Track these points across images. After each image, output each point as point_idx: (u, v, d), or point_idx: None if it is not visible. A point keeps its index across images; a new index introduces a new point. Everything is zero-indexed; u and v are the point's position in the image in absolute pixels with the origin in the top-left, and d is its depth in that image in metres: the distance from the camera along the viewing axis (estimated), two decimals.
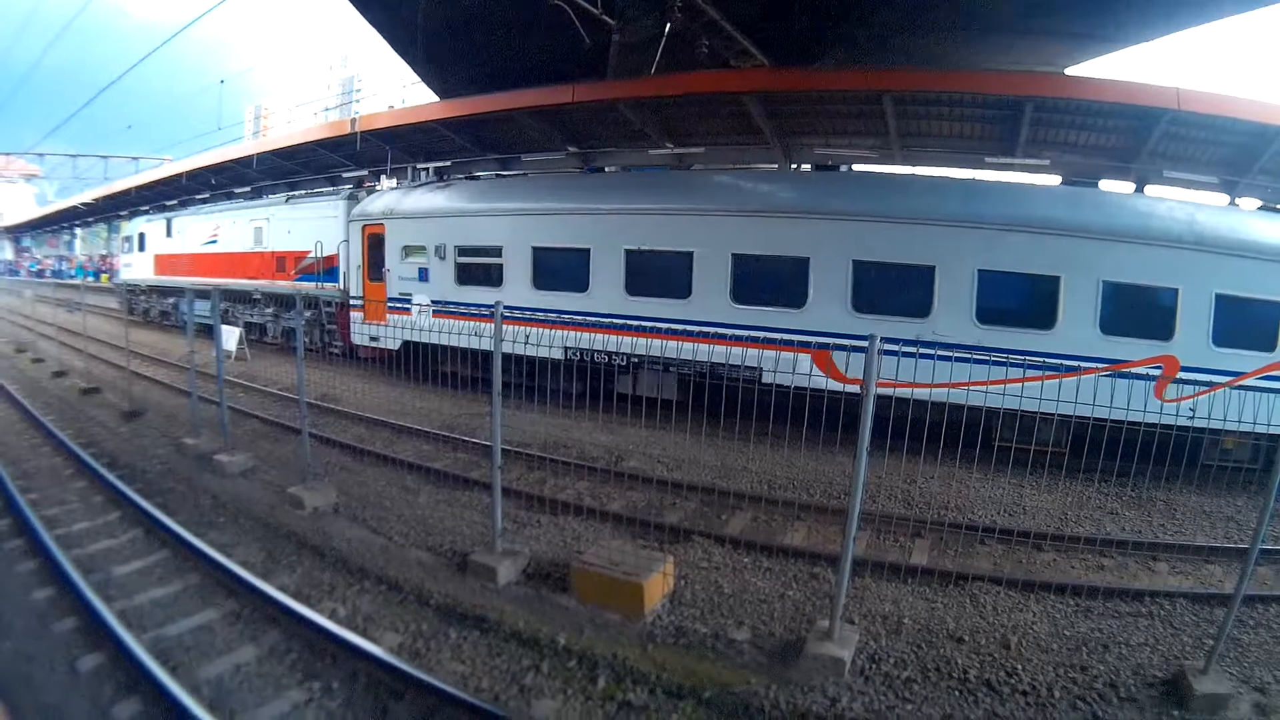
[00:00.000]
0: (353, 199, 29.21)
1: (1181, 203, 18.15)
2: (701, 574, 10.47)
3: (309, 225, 30.47)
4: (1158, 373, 16.29)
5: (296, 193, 37.02)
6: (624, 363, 20.57)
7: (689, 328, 18.77)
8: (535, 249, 22.28)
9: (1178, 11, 19.13)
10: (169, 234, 41.15)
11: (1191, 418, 11.83)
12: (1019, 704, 7.52)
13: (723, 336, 17.15)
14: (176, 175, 43.37)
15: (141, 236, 44.57)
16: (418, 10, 26.70)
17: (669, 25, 21.93)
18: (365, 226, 26.87)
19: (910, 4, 19.64)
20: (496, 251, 23.19)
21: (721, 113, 21.65)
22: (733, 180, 21.84)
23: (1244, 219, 17.43)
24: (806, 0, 20.06)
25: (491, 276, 23.28)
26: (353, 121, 29.11)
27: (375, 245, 26.42)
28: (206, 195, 46.47)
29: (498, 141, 28.11)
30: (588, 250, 21.21)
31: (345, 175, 35.70)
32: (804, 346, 17.85)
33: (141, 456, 16.23)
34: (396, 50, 31.18)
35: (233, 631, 8.84)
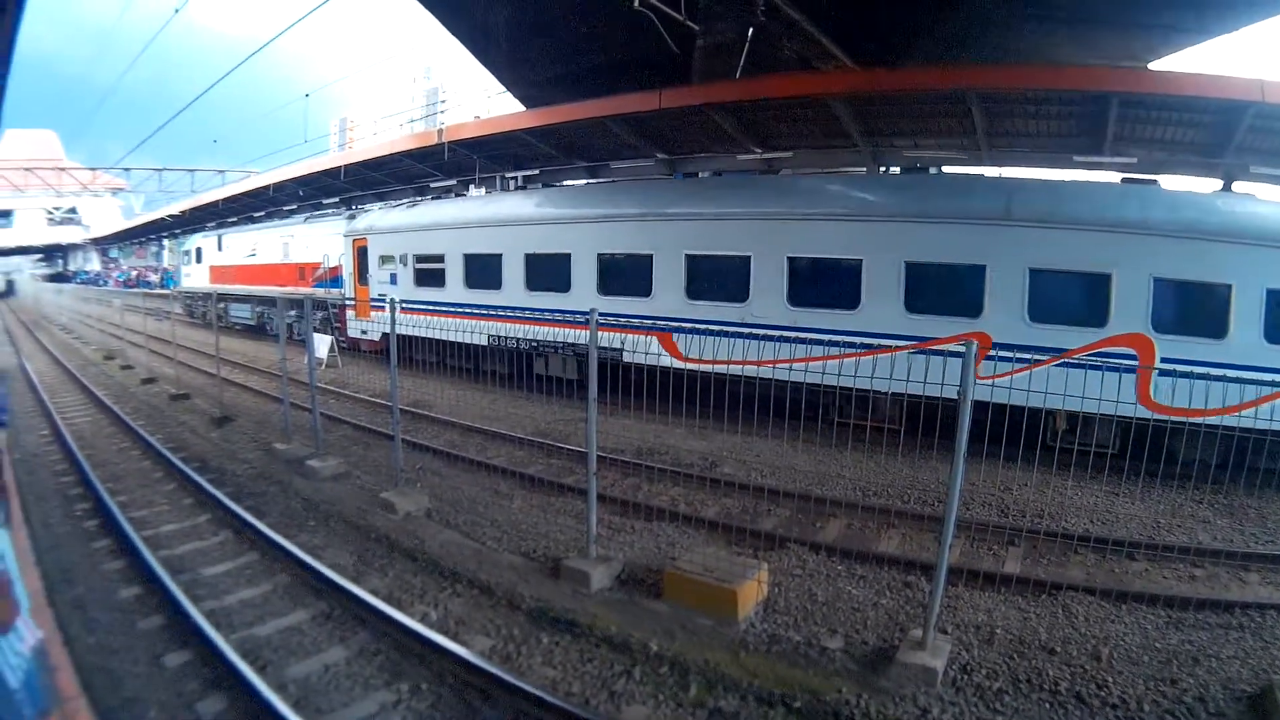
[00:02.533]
0: (351, 218, 35.28)
1: (1004, 179, 20.35)
2: (795, 581, 10.38)
3: (321, 240, 37.51)
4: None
5: (314, 213, 44.75)
6: (535, 348, 24.73)
7: (573, 317, 19.02)
8: (467, 256, 27.14)
9: (1260, 1, 18.80)
10: (220, 248, 48.89)
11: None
12: (1108, 718, 7.38)
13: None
14: (263, 187, 43.92)
15: (199, 250, 52.42)
16: (498, 17, 26.88)
17: (751, 28, 21.87)
18: (354, 240, 32.76)
19: None
20: (440, 259, 28.25)
21: (807, 115, 21.41)
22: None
23: (1060, 189, 18.56)
24: None
25: (436, 280, 28.30)
26: (439, 132, 29.20)
27: (361, 255, 32.18)
28: (294, 206, 47.34)
29: (585, 149, 28.10)
30: (500, 255, 25.81)
31: (433, 185, 36.08)
32: (652, 330, 20.75)
33: (232, 461, 16.53)
34: (479, 58, 31.43)
35: (321, 632, 8.96)
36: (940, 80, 18.02)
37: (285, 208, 47.88)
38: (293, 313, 33.03)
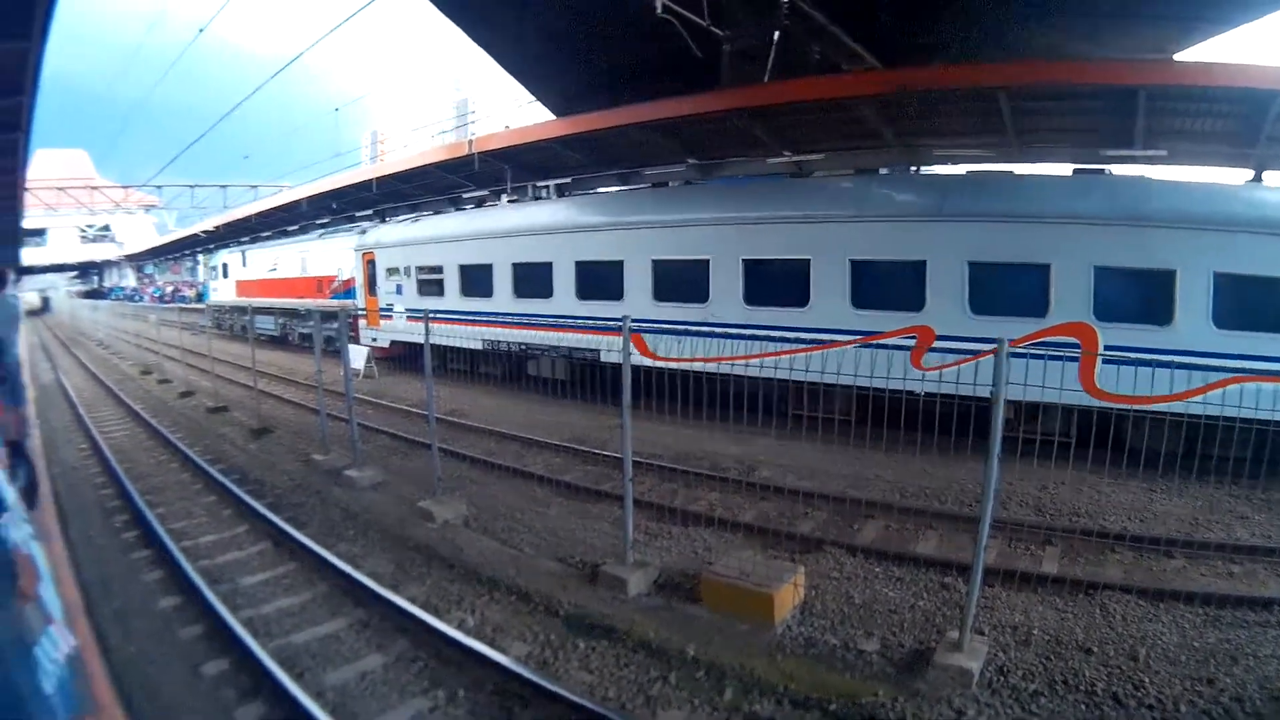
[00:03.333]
0: (362, 233, 37.07)
1: (941, 176, 22.09)
2: (832, 584, 10.39)
3: (335, 254, 40.01)
4: (911, 343, 17.97)
5: (329, 229, 48.09)
6: (525, 351, 26.23)
7: (556, 321, 24.60)
8: (462, 267, 28.64)
9: None
10: (244, 264, 52.15)
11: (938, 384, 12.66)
12: (1145, 718, 7.33)
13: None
14: (296, 201, 44.28)
15: (225, 266, 56.09)
16: (525, 29, 26.94)
17: (776, 32, 21.88)
18: (363, 254, 34.58)
19: None
20: (439, 270, 29.80)
21: (836, 118, 21.38)
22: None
23: (994, 183, 19.29)
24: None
25: (436, 289, 29.85)
26: (469, 143, 29.33)
27: (370, 268, 33.86)
28: (326, 220, 47.86)
29: (616, 156, 28.13)
30: (490, 265, 27.25)
31: (465, 195, 36.30)
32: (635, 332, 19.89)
33: (270, 472, 16.65)
34: (507, 69, 31.44)
35: (360, 640, 9.03)
36: (968, 79, 17.98)
37: (318, 221, 48.37)
38: (311, 323, 37.29)
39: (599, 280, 23.82)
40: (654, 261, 22.53)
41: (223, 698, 7.85)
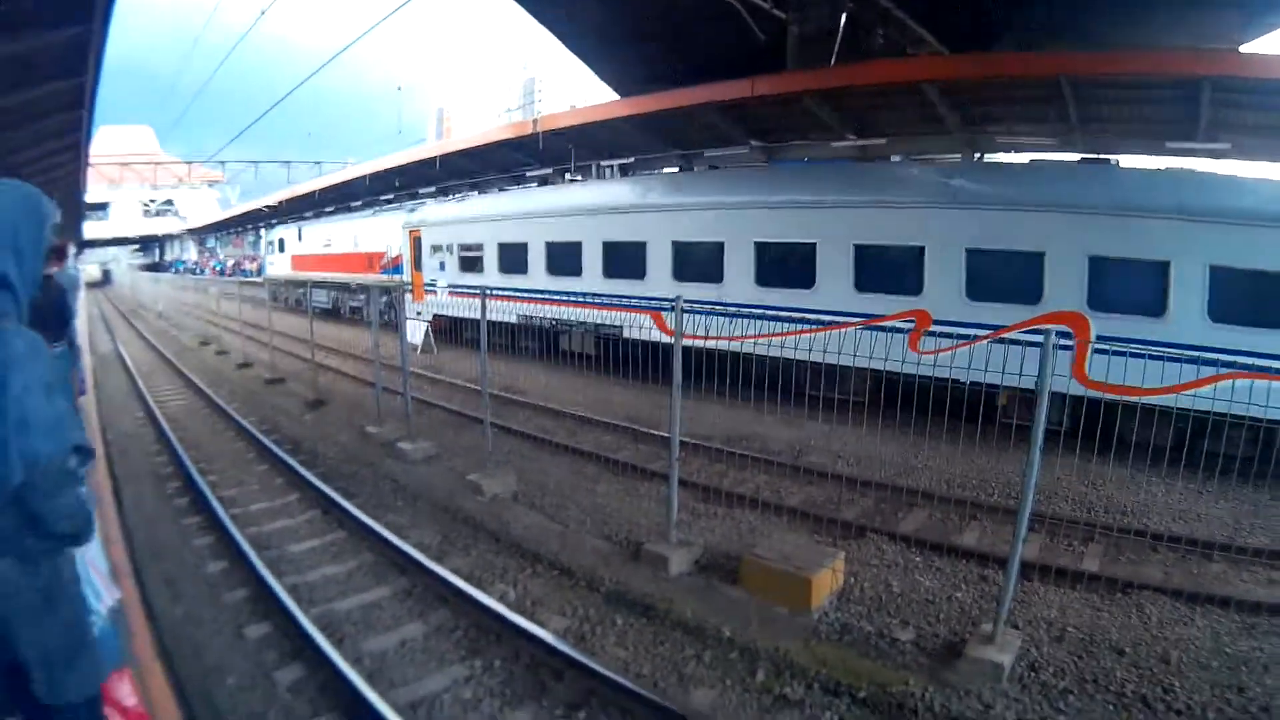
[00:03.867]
0: (411, 211, 38.58)
1: (943, 164, 22.82)
2: (872, 571, 10.41)
3: (386, 231, 40.42)
4: (910, 326, 18.53)
5: (381, 207, 49.34)
6: (557, 326, 27.32)
7: (584, 298, 25.62)
8: (500, 245, 29.87)
9: None
10: (299, 239, 52.72)
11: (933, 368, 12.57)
12: None
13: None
14: (359, 177, 44.86)
15: (281, 241, 56.68)
16: (592, 12, 27.05)
17: (844, 15, 21.89)
18: (410, 231, 35.86)
19: None
20: (479, 248, 31.11)
21: (902, 103, 21.35)
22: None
23: (995, 171, 21.05)
24: None
25: (476, 266, 31.20)
26: (534, 122, 29.58)
27: (416, 245, 35.34)
28: (390, 196, 48.94)
29: (680, 137, 28.20)
30: (526, 244, 28.37)
31: (529, 174, 36.60)
32: (646, 309, 22.24)
33: (323, 443, 16.88)
34: (574, 51, 31.60)
35: (401, 609, 9.18)
36: (1031, 67, 17.98)
37: (382, 197, 48.96)
38: (362, 296, 40.93)
39: (624, 259, 24.82)
40: (674, 243, 23.43)
41: (264, 660, 8.00)
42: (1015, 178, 19.21)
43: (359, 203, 53.10)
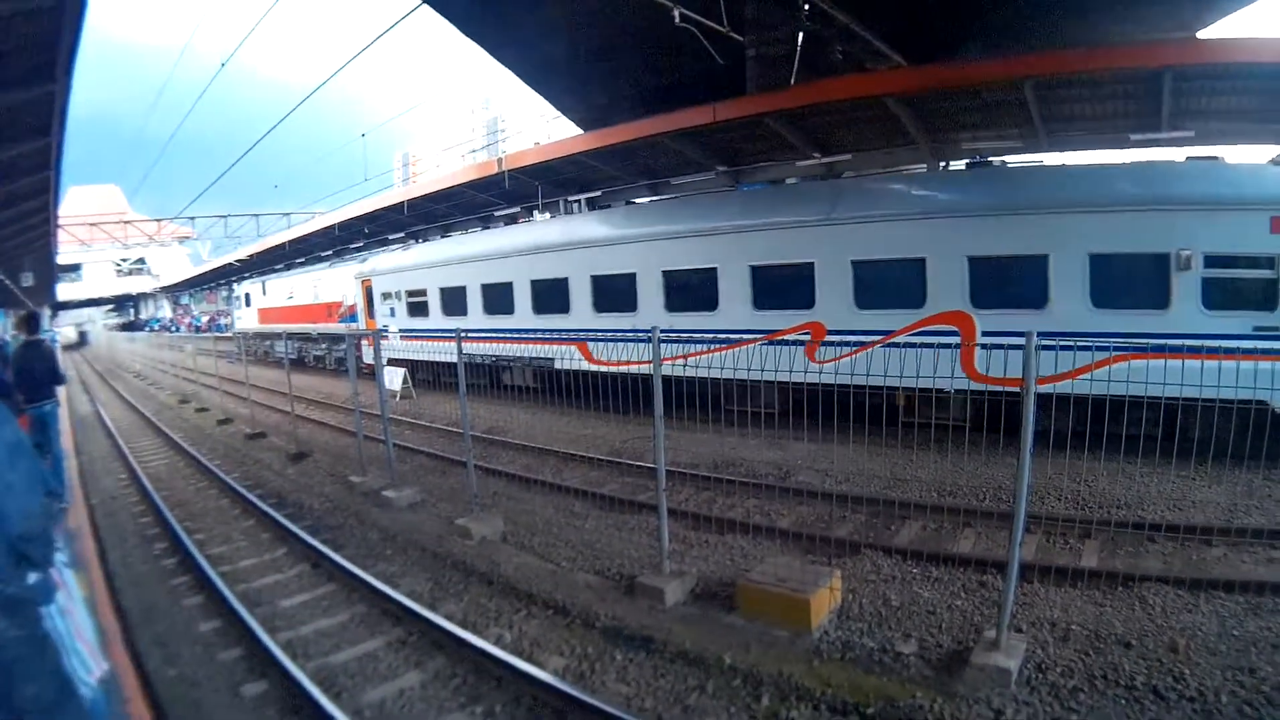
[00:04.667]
0: (361, 262, 41.26)
1: (831, 183, 23.36)
2: (870, 586, 10.35)
3: (342, 282, 41.91)
4: (806, 338, 19.55)
5: (336, 259, 52.97)
6: (497, 362, 28.79)
7: (519, 334, 27.39)
8: (442, 289, 31.65)
9: None
10: (264, 293, 54.09)
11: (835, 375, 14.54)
12: (1186, 711, 7.21)
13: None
14: (329, 227, 45.14)
15: (247, 295, 58.00)
16: (548, 48, 27.15)
17: (800, 34, 21.97)
18: (362, 281, 37.72)
19: None
20: (423, 293, 32.83)
21: (865, 117, 21.43)
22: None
23: (874, 186, 22.02)
24: None
25: (422, 310, 32.91)
26: (499, 161, 29.65)
27: (368, 294, 37.22)
28: (360, 244, 49.37)
29: (646, 167, 28.25)
30: (464, 287, 30.13)
31: (497, 214, 36.80)
32: (573, 340, 24.53)
33: (308, 495, 16.79)
34: (533, 87, 31.70)
35: (398, 658, 9.06)
36: (993, 72, 18.02)
37: (351, 246, 49.57)
38: (324, 346, 44.73)
39: (550, 296, 26.29)
40: (593, 277, 24.85)
41: (264, 717, 7.92)
42: (893, 191, 20.35)
43: (329, 252, 53.67)
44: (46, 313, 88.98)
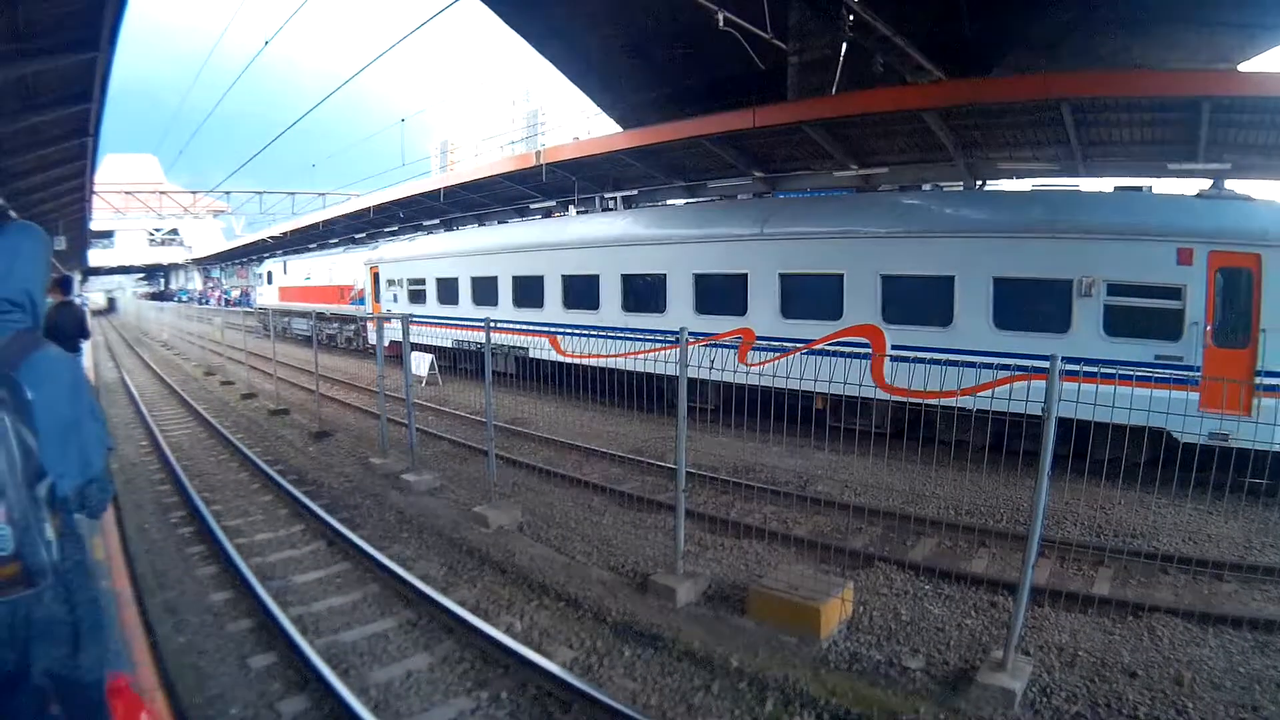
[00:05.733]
0: (373, 249, 43.76)
1: (766, 201, 26.04)
2: (881, 600, 10.34)
3: (356, 267, 44.35)
4: (740, 341, 21.13)
5: (353, 244, 55.46)
6: (477, 348, 27.08)
7: (505, 324, 27.97)
8: (438, 279, 34.20)
9: None
10: (285, 272, 56.98)
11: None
12: None
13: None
14: (364, 209, 45.39)
15: (270, 274, 60.84)
16: (592, 43, 27.18)
17: (844, 44, 22.00)
18: (370, 267, 40.42)
19: (1075, 1, 19.36)
20: (422, 282, 35.39)
21: (902, 130, 21.37)
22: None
23: (803, 205, 24.32)
24: (974, 8, 19.88)
25: (420, 297, 35.40)
26: (537, 154, 29.67)
27: (375, 279, 39.77)
28: (395, 228, 49.80)
29: (682, 168, 28.23)
30: (456, 279, 32.54)
31: (532, 206, 36.81)
32: (545, 333, 26.99)
33: (328, 474, 16.88)
34: (575, 82, 31.77)
35: (407, 640, 9.13)
36: (1031, 90, 17.99)
37: (385, 230, 49.59)
38: (335, 325, 47.31)
39: (528, 291, 28.62)
40: (563, 276, 27.08)
41: (269, 690, 7.97)
42: (818, 211, 22.48)
43: (363, 235, 54.57)
44: (77, 277, 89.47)
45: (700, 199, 29.72)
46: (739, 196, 28.30)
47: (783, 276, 20.74)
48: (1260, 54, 21.19)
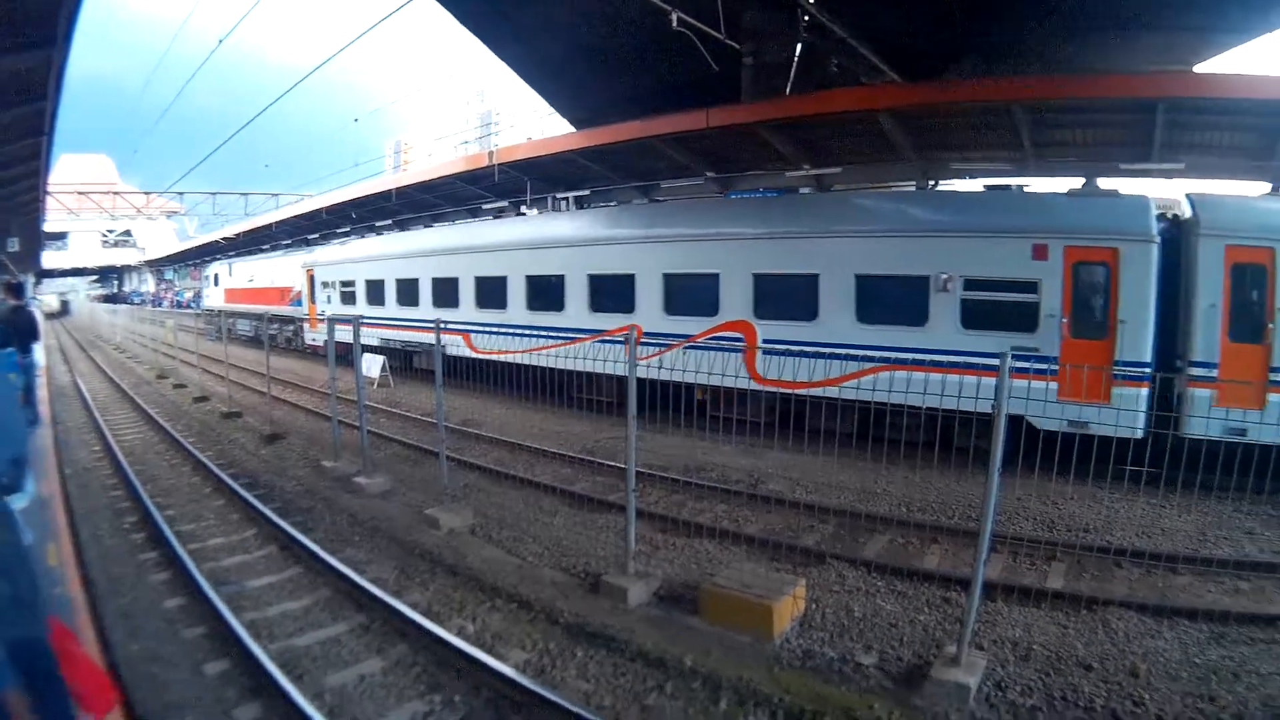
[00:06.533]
0: (309, 252, 44.63)
1: (651, 206, 28.37)
2: (834, 597, 10.35)
3: (296, 269, 44.76)
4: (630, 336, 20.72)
5: (292, 246, 55.84)
6: (404, 347, 32.67)
7: (420, 324, 30.49)
8: (367, 281, 35.46)
9: None
10: (230, 274, 58.11)
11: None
12: None
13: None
14: (316, 210, 45.20)
15: (216, 275, 62.04)
16: (546, 43, 27.11)
17: (799, 45, 22.03)
18: (307, 270, 41.49)
19: (1031, 5, 19.40)
20: (353, 284, 36.59)
21: (857, 131, 21.40)
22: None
23: (683, 208, 26.20)
24: (931, 11, 19.93)
25: (351, 299, 36.53)
26: (490, 154, 29.59)
27: (311, 281, 40.93)
28: (347, 229, 49.25)
29: (636, 169, 28.21)
30: (383, 280, 34.17)
31: (485, 207, 36.70)
32: (458, 331, 27.82)
33: (280, 477, 16.79)
34: (529, 82, 31.63)
35: (360, 644, 9.08)
36: (985, 94, 18.05)
37: (337, 230, 49.52)
38: (275, 326, 47.24)
39: (444, 293, 30.15)
40: (476, 278, 28.50)
41: (224, 696, 7.90)
42: (696, 214, 23.94)
43: (315, 235, 53.71)
44: (31, 280, 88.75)
45: (599, 205, 31.23)
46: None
47: (666, 276, 22.24)
48: (1216, 55, 21.31)
